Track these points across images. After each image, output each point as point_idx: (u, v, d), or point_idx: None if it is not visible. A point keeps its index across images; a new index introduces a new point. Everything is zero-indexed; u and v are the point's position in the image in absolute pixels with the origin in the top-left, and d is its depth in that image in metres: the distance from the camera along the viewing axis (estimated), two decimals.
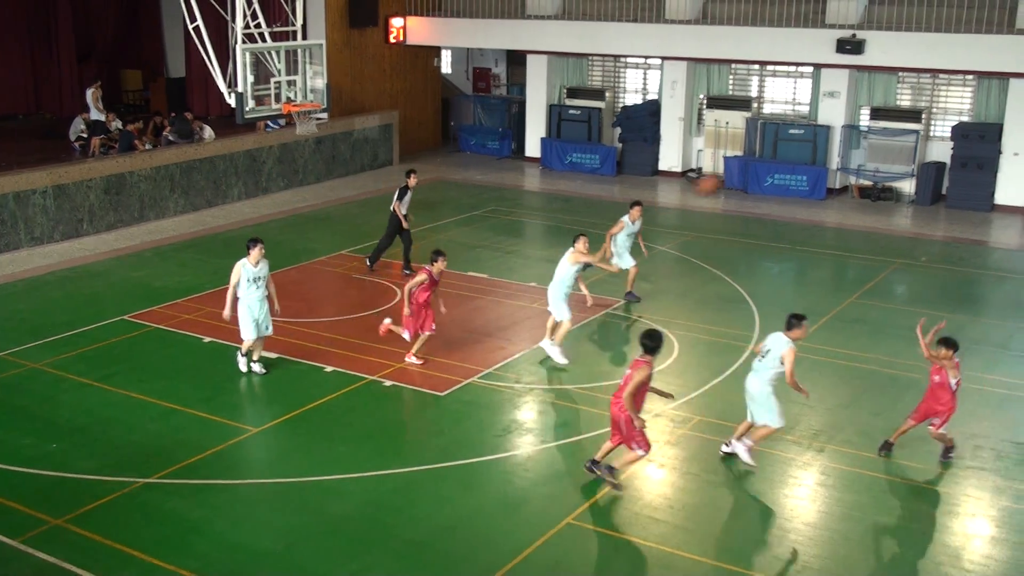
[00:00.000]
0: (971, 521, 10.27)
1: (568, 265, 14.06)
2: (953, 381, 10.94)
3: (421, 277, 13.35)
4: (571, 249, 14.09)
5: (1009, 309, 17.28)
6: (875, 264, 19.55)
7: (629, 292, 16.79)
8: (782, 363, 10.61)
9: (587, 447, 11.44)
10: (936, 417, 11.09)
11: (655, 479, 10.99)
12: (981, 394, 13.02)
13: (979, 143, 24.07)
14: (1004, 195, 24.28)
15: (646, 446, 10.29)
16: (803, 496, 10.70)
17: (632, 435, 10.19)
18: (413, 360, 13.73)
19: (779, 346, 10.71)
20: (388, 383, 13.21)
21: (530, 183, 27.70)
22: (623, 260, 16.58)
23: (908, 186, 25.40)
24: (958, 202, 24.46)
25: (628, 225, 16.47)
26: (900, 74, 25.42)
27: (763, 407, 10.86)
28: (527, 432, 12.08)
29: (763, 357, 10.87)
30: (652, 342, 10.16)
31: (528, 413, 12.65)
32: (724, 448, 11.32)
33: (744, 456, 11.07)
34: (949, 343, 10.94)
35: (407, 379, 13.35)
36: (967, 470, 11.21)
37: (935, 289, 18.34)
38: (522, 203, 25.15)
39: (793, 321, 10.78)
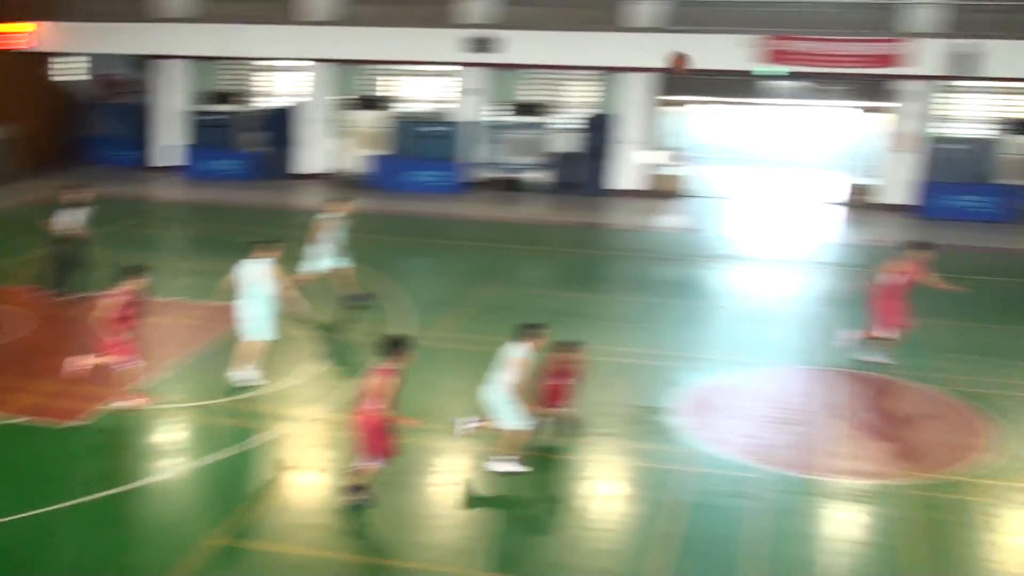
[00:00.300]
0: (605, 484, 11.07)
1: (270, 278, 12.97)
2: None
3: (116, 299, 11.96)
4: (265, 261, 12.98)
5: (628, 285, 18.92)
6: (509, 252, 20.61)
7: (354, 296, 16.05)
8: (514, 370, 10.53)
9: (228, 466, 11.10)
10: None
11: (309, 485, 10.90)
12: (608, 365, 14.05)
13: (598, 133, 26.11)
14: (622, 180, 26.57)
15: (385, 455, 9.93)
16: (445, 483, 10.90)
17: (375, 444, 9.78)
18: (130, 403, 12.33)
19: (513, 354, 10.61)
20: (18, 419, 12.08)
21: (169, 193, 26.50)
22: (321, 263, 15.71)
23: (541, 176, 26.99)
24: (585, 189, 26.38)
25: (330, 222, 15.60)
26: (530, 71, 26.92)
27: (504, 413, 10.72)
28: (171, 454, 11.55)
29: (499, 366, 10.72)
30: (397, 347, 9.77)
31: (173, 434, 12.09)
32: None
33: (501, 467, 10.92)
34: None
35: (34, 411, 12.25)
36: (599, 437, 12.06)
37: (565, 272, 19.69)
38: (162, 215, 24.02)
39: (528, 331, 10.70)
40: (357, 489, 10.07)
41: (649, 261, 21.04)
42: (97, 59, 31.58)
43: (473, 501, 10.58)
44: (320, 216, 16.05)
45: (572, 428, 11.93)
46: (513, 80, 27.13)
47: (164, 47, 27.33)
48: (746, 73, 24.41)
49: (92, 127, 29.99)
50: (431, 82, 28.23)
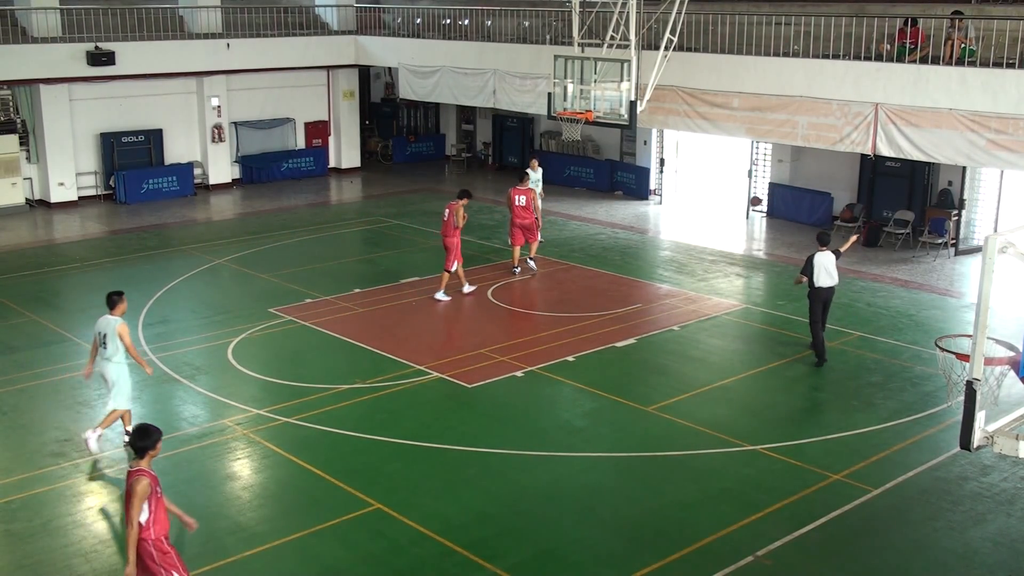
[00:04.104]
0: None
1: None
2: None
3: None
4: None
5: None
6: None
7: None
8: (121, 341, 11.67)
9: None
10: None
11: None
12: None
13: None
14: None
15: None
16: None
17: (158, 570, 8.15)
18: None
19: (111, 327, 11.73)
20: None
21: None
22: None
23: None
24: None
25: None
26: None
27: (117, 389, 11.85)
28: None
29: (104, 344, 11.78)
30: (145, 441, 8.09)
31: None
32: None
33: (93, 444, 11.85)
34: None
35: None
36: None
37: None
38: None
39: (114, 299, 11.95)
40: None
41: None
42: None
43: None
44: None
45: None
46: None
47: None
48: None
49: None
50: None
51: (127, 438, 11.65)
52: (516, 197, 19.38)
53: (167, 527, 8.18)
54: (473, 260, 20.42)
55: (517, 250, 19.65)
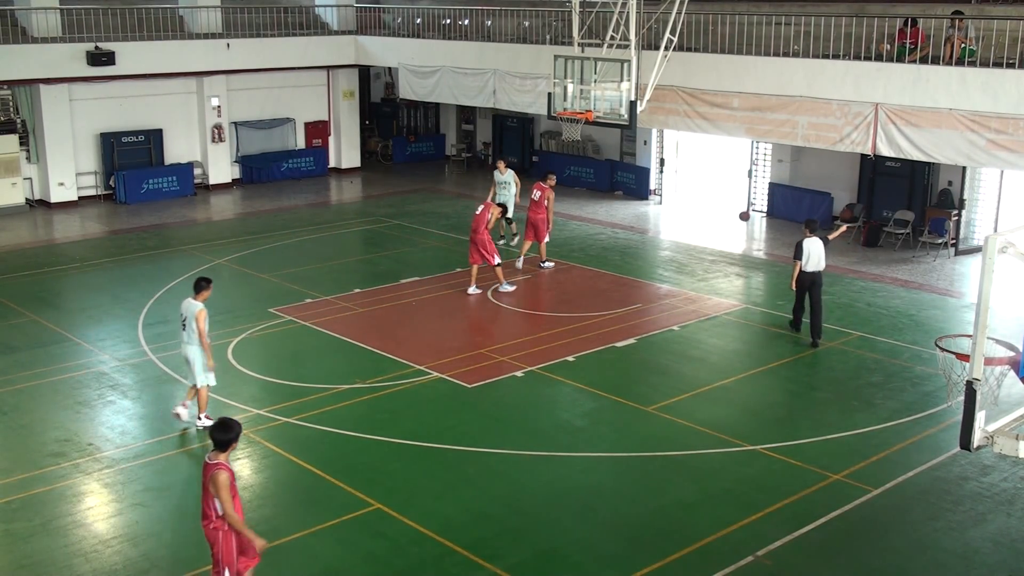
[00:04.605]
0: None
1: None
2: None
3: None
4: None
5: None
6: None
7: None
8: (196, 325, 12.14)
9: None
10: None
11: None
12: None
13: None
14: None
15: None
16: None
17: (219, 563, 8.36)
18: None
19: (192, 311, 12.22)
20: None
21: None
22: None
23: None
24: None
25: None
26: None
27: (199, 368, 12.39)
28: None
29: (184, 326, 12.31)
30: (227, 434, 8.36)
31: None
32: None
33: (184, 415, 12.60)
34: None
35: None
36: None
37: None
38: None
39: (201, 284, 12.38)
40: None
41: None
42: None
43: None
44: None
45: None
46: None
47: None
48: None
49: None
50: None
51: (200, 421, 12.52)
52: (533, 191, 19.85)
53: (242, 517, 8.45)
54: None
55: (527, 244, 20.19)
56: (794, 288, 15.83)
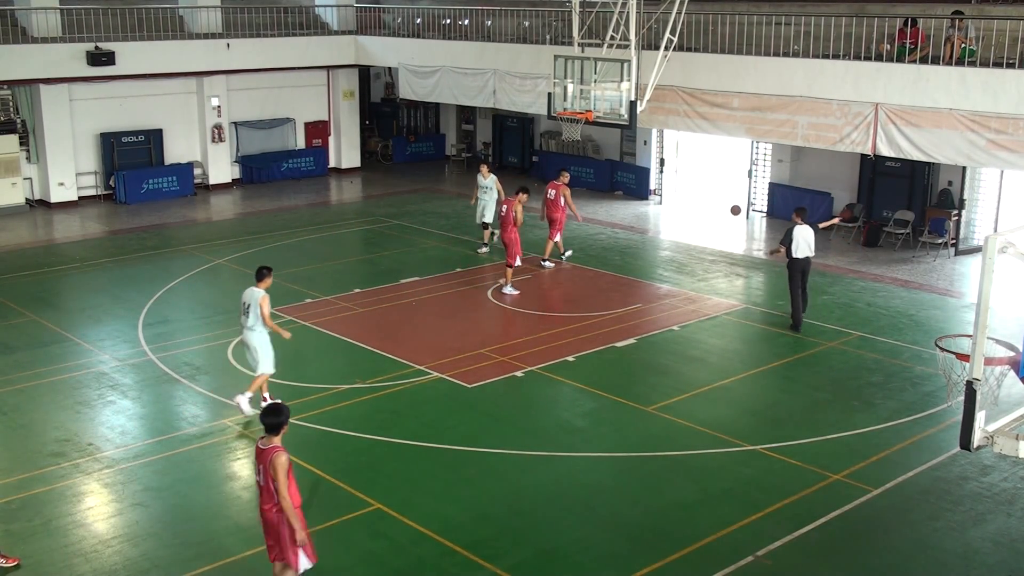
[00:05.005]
0: None
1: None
2: None
3: None
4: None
5: None
6: None
7: None
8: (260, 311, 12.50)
9: None
10: None
11: None
12: None
13: None
14: None
15: (313, 557, 8.79)
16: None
17: (293, 546, 8.52)
18: None
19: (255, 297, 12.55)
20: None
21: None
22: None
23: None
24: None
25: None
26: None
27: (261, 355, 12.76)
28: None
29: (246, 313, 12.62)
30: (277, 418, 8.54)
31: None
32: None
33: (245, 407, 12.82)
34: None
35: None
36: None
37: None
38: None
39: (263, 272, 12.76)
40: None
41: None
42: None
43: None
44: None
45: None
46: None
47: None
48: None
49: None
50: None
51: (242, 400, 12.89)
52: (548, 190, 19.90)
53: (299, 499, 8.61)
54: (473, 260, 20.44)
55: (551, 244, 20.15)
56: (770, 254, 16.37)
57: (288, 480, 8.31)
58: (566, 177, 20.36)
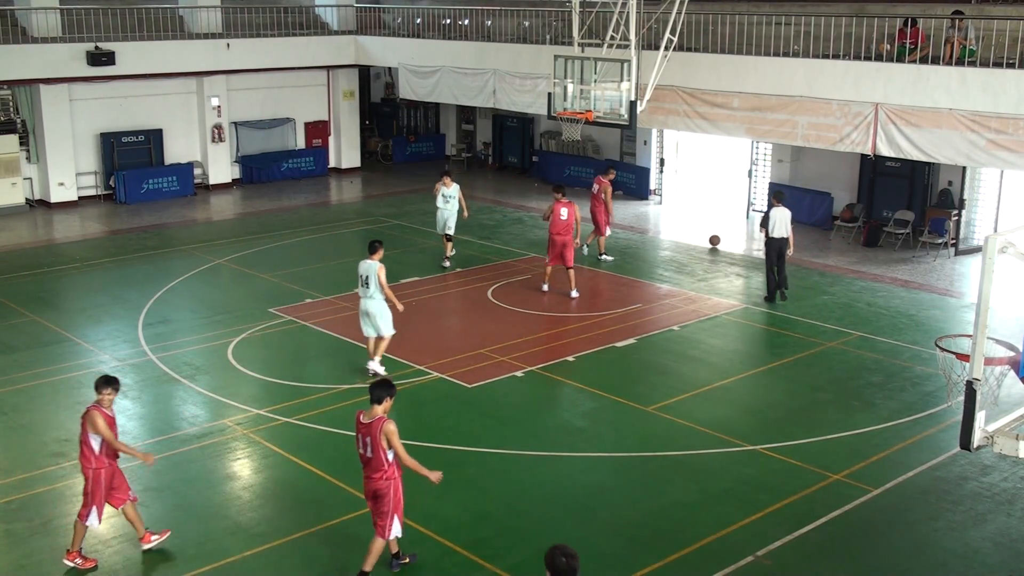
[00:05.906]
0: None
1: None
2: None
3: None
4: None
5: None
6: None
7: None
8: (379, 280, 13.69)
9: None
10: None
11: None
12: None
13: None
14: None
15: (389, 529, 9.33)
16: None
17: (388, 513, 9.20)
18: None
19: (372, 269, 13.78)
20: None
21: None
22: None
23: None
24: None
25: None
26: None
27: (382, 320, 13.91)
28: None
29: (366, 284, 13.82)
30: (386, 391, 9.10)
31: None
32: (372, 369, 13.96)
33: (379, 369, 13.95)
34: None
35: None
36: None
37: None
38: None
39: (376, 245, 14.01)
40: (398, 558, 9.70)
41: None
42: None
43: None
44: None
45: None
46: None
47: None
48: None
49: None
50: None
51: (373, 368, 14.04)
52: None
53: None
54: (473, 260, 20.44)
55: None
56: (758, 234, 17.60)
57: (398, 444, 9.01)
58: (612, 174, 21.04)
